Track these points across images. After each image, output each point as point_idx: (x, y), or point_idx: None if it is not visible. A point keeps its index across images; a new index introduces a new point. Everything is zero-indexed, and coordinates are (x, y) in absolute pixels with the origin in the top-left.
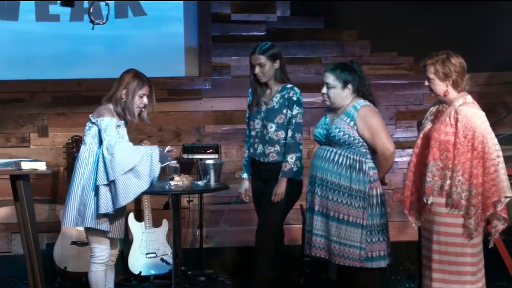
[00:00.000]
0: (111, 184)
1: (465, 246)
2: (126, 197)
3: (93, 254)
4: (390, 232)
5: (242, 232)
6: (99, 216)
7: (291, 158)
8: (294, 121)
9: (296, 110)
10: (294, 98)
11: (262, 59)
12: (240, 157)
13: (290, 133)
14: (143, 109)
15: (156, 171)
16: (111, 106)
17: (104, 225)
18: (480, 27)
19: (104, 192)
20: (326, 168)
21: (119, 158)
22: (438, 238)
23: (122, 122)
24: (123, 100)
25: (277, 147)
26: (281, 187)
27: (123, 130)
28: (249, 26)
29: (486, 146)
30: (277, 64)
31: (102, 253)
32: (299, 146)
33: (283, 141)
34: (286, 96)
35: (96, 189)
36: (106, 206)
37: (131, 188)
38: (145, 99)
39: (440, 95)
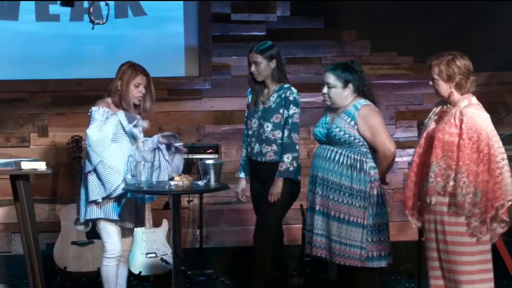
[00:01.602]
0: (96, 170)
1: (471, 245)
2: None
3: (104, 249)
4: (390, 232)
5: (242, 232)
6: (102, 204)
7: (287, 158)
8: (290, 120)
9: (292, 110)
10: (291, 98)
11: (258, 57)
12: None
13: (286, 132)
14: (140, 99)
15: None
16: (109, 99)
17: (110, 214)
18: (480, 27)
19: (92, 179)
20: (327, 168)
21: (92, 144)
22: (444, 237)
23: (122, 113)
24: (119, 91)
25: (274, 147)
26: (277, 187)
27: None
28: (249, 26)
29: (492, 148)
30: (273, 64)
31: (113, 247)
32: (295, 146)
33: (280, 141)
34: (283, 96)
35: (86, 177)
36: (96, 192)
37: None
38: (141, 88)
39: (444, 96)
